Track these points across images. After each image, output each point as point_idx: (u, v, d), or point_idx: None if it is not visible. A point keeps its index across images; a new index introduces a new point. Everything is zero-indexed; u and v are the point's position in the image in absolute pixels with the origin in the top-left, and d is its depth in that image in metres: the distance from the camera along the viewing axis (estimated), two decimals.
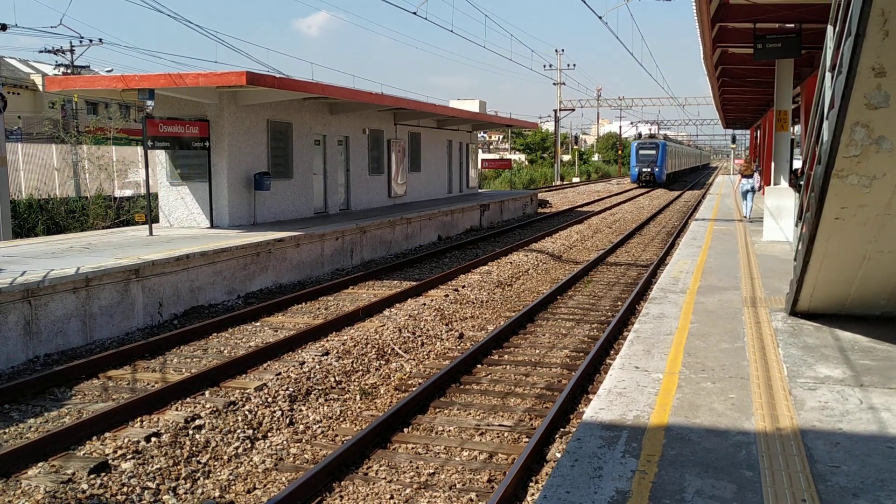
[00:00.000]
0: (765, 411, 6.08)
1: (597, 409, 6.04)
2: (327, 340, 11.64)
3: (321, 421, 8.59)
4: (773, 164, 20.77)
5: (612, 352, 11.24)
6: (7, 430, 8.03)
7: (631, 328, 8.91)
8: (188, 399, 8.90)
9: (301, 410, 8.82)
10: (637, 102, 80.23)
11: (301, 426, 8.41)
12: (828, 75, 7.14)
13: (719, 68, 24.45)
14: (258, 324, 12.93)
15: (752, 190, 23.04)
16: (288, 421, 8.51)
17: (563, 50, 66.79)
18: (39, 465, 7.07)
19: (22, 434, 7.96)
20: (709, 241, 17.71)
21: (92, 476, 6.85)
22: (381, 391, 9.75)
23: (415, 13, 21.13)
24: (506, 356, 11.34)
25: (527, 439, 8.00)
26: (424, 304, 14.26)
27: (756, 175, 23.97)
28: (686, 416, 5.92)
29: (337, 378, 9.96)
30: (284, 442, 7.97)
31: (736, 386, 6.73)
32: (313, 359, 10.55)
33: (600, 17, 21.39)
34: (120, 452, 7.35)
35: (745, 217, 23.18)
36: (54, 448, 7.35)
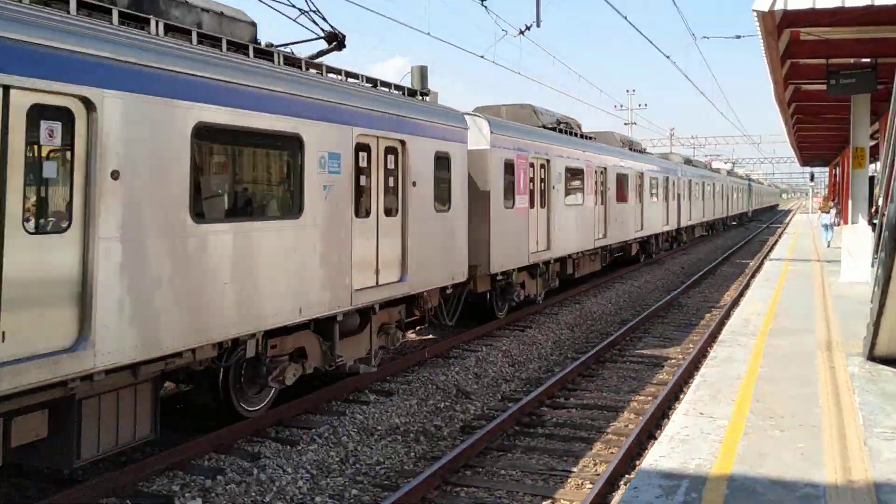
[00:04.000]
0: (837, 462, 5.86)
1: (657, 456, 5.92)
2: (393, 381, 11.68)
3: (384, 462, 8.62)
4: (850, 203, 20.16)
5: (681, 395, 11.00)
6: None
7: (697, 373, 8.72)
8: (255, 438, 9.01)
9: (365, 451, 8.85)
10: (710, 141, 78.38)
11: (364, 466, 8.44)
12: None
13: (792, 105, 23.95)
14: None
15: (831, 224, 28.97)
16: (352, 461, 8.54)
17: (633, 90, 65.51)
18: None
19: None
20: (783, 281, 17.24)
21: None
22: (445, 433, 9.73)
23: (482, 56, 21.44)
24: (571, 399, 11.22)
25: (590, 485, 7.86)
26: (492, 346, 14.21)
27: (833, 210, 30.02)
28: (751, 466, 5.75)
29: (402, 419, 9.97)
30: (346, 482, 8.01)
31: (806, 434, 6.51)
32: (377, 399, 10.61)
33: (668, 57, 21.31)
34: None
35: (827, 245, 28.24)
36: None
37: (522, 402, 10.36)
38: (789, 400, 7.56)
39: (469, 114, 14.68)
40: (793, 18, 14.00)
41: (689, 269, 28.77)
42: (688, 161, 41.69)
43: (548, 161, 17.46)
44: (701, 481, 5.44)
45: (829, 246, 27.99)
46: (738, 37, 21.12)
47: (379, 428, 9.50)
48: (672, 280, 25.68)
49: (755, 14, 12.70)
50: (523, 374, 12.70)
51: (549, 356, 14.10)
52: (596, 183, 21.20)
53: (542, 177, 17.39)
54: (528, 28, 19.96)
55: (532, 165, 16.60)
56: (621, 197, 23.90)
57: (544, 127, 18.38)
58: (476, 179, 14.30)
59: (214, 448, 8.38)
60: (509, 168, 15.35)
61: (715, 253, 36.39)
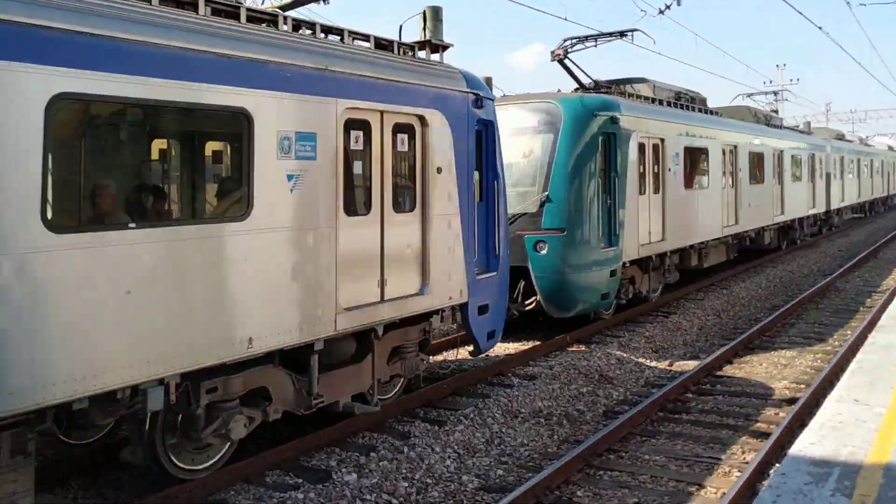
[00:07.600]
0: None
1: (806, 443, 5.81)
2: (535, 366, 11.84)
3: (528, 444, 8.82)
4: None
5: (836, 383, 10.56)
6: None
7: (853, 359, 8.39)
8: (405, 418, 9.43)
9: (510, 433, 9.09)
10: (871, 115, 72.91)
11: (509, 448, 8.68)
12: None
13: None
14: None
15: None
16: (497, 442, 8.80)
17: (784, 64, 61.81)
18: None
19: None
20: None
21: None
22: (588, 417, 9.82)
23: (622, 37, 21.04)
24: (718, 386, 11.02)
25: (738, 473, 7.76)
26: (635, 332, 14.11)
27: None
28: None
29: (545, 403, 10.13)
30: (492, 462, 8.27)
31: None
32: (520, 383, 10.82)
33: (820, 28, 20.19)
34: None
35: None
36: None
37: (666, 388, 10.29)
38: None
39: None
40: None
41: (847, 252, 27.22)
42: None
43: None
44: (854, 469, 5.30)
45: None
46: None
47: (523, 411, 9.71)
48: (828, 263, 24.39)
49: None
50: (667, 361, 12.55)
51: (695, 342, 13.84)
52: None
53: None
54: (667, 7, 19.49)
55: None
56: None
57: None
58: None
59: (369, 427, 8.86)
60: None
61: (876, 235, 34.19)
